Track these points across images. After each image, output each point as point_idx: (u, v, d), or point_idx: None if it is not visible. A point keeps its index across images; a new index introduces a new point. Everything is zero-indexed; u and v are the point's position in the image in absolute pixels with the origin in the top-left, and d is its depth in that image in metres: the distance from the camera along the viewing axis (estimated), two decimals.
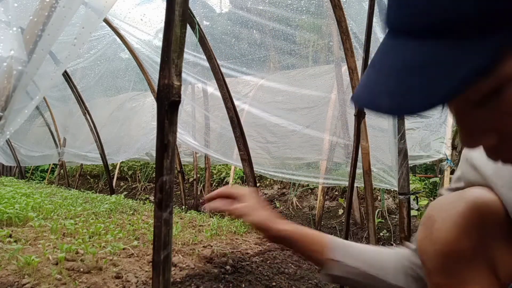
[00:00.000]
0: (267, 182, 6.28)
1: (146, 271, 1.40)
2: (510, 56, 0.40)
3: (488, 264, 0.70)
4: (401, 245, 1.04)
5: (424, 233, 0.76)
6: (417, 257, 0.88)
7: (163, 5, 3.11)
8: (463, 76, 0.39)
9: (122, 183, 7.96)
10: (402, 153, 1.96)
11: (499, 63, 0.41)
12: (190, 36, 3.05)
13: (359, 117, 1.98)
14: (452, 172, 3.88)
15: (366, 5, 1.97)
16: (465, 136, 0.51)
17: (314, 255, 0.98)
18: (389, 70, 0.45)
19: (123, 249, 1.60)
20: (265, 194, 6.07)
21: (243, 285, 1.55)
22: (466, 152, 0.85)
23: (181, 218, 2.65)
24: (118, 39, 4.18)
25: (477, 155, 0.80)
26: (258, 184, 5.07)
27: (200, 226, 2.38)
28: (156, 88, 0.76)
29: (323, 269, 0.98)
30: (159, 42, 4.17)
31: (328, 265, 0.96)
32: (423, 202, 4.25)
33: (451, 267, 0.72)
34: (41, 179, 8.94)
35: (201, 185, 6.44)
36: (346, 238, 2.46)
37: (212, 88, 4.14)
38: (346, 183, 2.88)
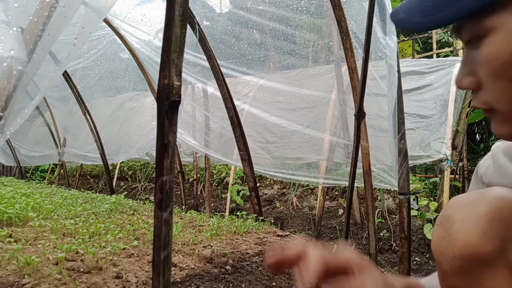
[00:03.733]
0: (267, 182, 6.28)
1: (146, 271, 1.40)
2: (504, 9, 0.48)
3: (510, 267, 0.66)
4: None
5: (442, 234, 0.72)
6: None
7: (163, 5, 3.11)
8: (464, 4, 0.49)
9: (122, 183, 7.96)
10: (402, 153, 1.96)
11: (501, 8, 0.48)
12: (190, 36, 3.05)
13: (359, 117, 1.99)
14: (452, 172, 3.88)
15: (366, 5, 1.97)
16: (458, 75, 0.58)
17: None
18: None
19: (123, 249, 1.60)
20: (265, 194, 6.07)
21: (243, 285, 1.55)
22: (494, 149, 0.82)
23: (181, 218, 2.65)
24: (118, 39, 4.18)
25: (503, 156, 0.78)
26: (258, 184, 5.07)
27: (200, 226, 2.38)
28: (156, 88, 0.76)
29: None
30: (159, 42, 4.17)
31: None
32: (423, 202, 4.25)
33: (470, 271, 0.68)
34: (41, 179, 8.94)
35: (201, 185, 6.44)
36: (346, 238, 2.46)
37: (212, 88, 4.14)
38: (346, 183, 2.88)
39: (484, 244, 0.65)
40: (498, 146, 0.81)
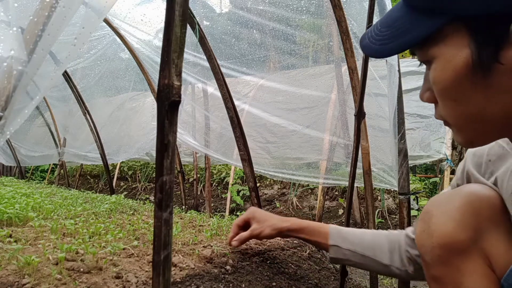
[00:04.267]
0: (267, 182, 6.28)
1: (146, 271, 1.40)
2: (444, 41, 0.56)
3: (484, 256, 0.72)
4: (401, 230, 1.14)
5: (422, 227, 0.79)
6: (415, 245, 0.94)
7: (163, 5, 3.11)
8: (411, 37, 0.58)
9: (122, 183, 7.96)
10: (402, 153, 1.96)
11: (440, 40, 0.57)
12: (190, 36, 3.05)
13: (359, 117, 1.98)
14: (452, 172, 3.88)
15: (366, 5, 1.97)
16: (421, 89, 0.69)
17: (319, 242, 1.24)
18: (381, 23, 0.64)
19: (123, 249, 1.60)
20: (265, 194, 6.07)
21: (243, 285, 1.55)
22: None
23: (181, 218, 2.65)
24: (118, 39, 4.18)
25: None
26: (258, 184, 5.07)
27: (200, 226, 2.38)
28: (156, 88, 0.76)
29: (328, 252, 1.23)
30: (159, 42, 4.17)
31: (330, 250, 1.20)
32: (423, 202, 4.25)
33: (448, 259, 0.74)
34: (41, 179, 8.94)
35: (201, 185, 6.44)
36: None
37: (212, 88, 4.14)
38: (346, 183, 2.88)
39: (458, 233, 0.73)
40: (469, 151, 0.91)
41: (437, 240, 0.75)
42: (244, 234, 1.38)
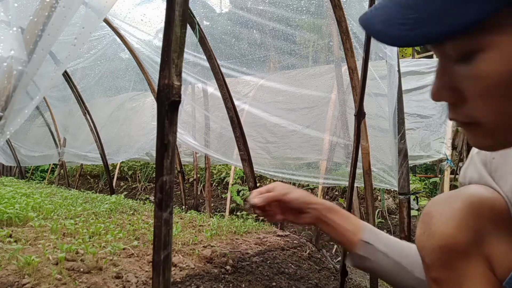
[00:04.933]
0: (267, 182, 6.28)
1: (146, 271, 1.40)
2: (499, 28, 0.46)
3: (484, 258, 0.71)
4: None
5: (423, 229, 0.77)
6: None
7: (163, 5, 3.11)
8: (454, 22, 0.45)
9: (122, 183, 7.96)
10: (402, 153, 1.96)
11: (494, 27, 0.46)
12: (190, 36, 3.05)
13: (359, 117, 1.98)
14: (452, 172, 3.89)
15: (366, 5, 1.97)
16: (435, 87, 0.56)
17: (347, 234, 1.02)
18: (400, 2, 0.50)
19: (123, 249, 1.60)
20: None
21: (243, 285, 1.55)
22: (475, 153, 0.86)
23: (181, 218, 2.65)
24: (118, 39, 4.18)
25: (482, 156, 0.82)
26: (258, 184, 5.07)
27: (200, 226, 2.38)
28: (156, 88, 0.76)
29: (353, 249, 1.01)
30: (159, 42, 4.17)
31: (359, 246, 1.00)
32: (423, 202, 4.25)
33: (448, 261, 0.73)
34: (41, 179, 8.94)
35: (201, 185, 6.44)
36: None
37: (212, 88, 4.14)
38: (346, 183, 2.88)
39: (459, 235, 0.71)
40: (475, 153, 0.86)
41: (438, 242, 0.73)
42: (268, 194, 1.08)
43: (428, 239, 0.75)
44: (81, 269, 1.30)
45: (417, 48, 9.49)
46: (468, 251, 0.71)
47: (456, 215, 0.72)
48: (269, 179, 6.11)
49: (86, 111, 5.11)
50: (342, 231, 1.03)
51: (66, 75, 4.83)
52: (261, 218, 2.94)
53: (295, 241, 2.17)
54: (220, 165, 6.83)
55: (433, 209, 0.78)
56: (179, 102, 0.63)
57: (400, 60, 2.20)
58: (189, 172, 6.64)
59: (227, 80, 3.10)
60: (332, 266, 2.10)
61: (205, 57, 3.02)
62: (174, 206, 0.70)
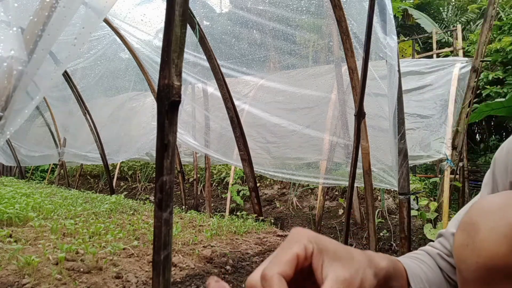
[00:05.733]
0: (267, 182, 6.28)
1: (146, 271, 1.40)
2: None
3: None
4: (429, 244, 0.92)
5: (465, 241, 0.69)
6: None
7: (163, 5, 3.11)
8: None
9: (122, 183, 7.96)
10: (402, 153, 1.96)
11: None
12: (190, 36, 3.05)
13: (359, 117, 1.98)
14: (452, 172, 3.88)
15: (366, 5, 1.97)
16: None
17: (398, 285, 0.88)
18: None
19: (123, 249, 1.60)
20: (265, 194, 6.07)
21: (243, 285, 1.55)
22: None
23: (181, 218, 2.65)
24: (118, 39, 4.18)
25: None
26: (258, 184, 5.07)
27: (200, 226, 2.38)
28: (156, 88, 0.76)
29: None
30: (159, 42, 4.17)
31: None
32: (423, 202, 4.25)
33: (494, 282, 0.66)
34: (41, 179, 8.94)
35: (201, 185, 6.44)
36: (346, 238, 2.46)
37: (212, 88, 4.14)
38: (346, 183, 2.88)
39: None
40: None
41: (485, 261, 0.65)
42: None
43: (472, 255, 0.67)
44: (81, 269, 1.30)
45: (417, 48, 9.49)
46: None
47: (510, 233, 0.63)
48: (269, 179, 6.11)
49: (86, 111, 5.12)
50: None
51: (66, 75, 4.84)
52: (261, 218, 2.94)
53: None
54: (220, 165, 6.83)
55: (480, 220, 0.69)
56: (179, 102, 0.63)
57: (400, 60, 2.20)
58: (189, 172, 6.64)
59: (227, 80, 3.10)
60: None
61: (205, 57, 3.02)
62: (174, 206, 0.70)
